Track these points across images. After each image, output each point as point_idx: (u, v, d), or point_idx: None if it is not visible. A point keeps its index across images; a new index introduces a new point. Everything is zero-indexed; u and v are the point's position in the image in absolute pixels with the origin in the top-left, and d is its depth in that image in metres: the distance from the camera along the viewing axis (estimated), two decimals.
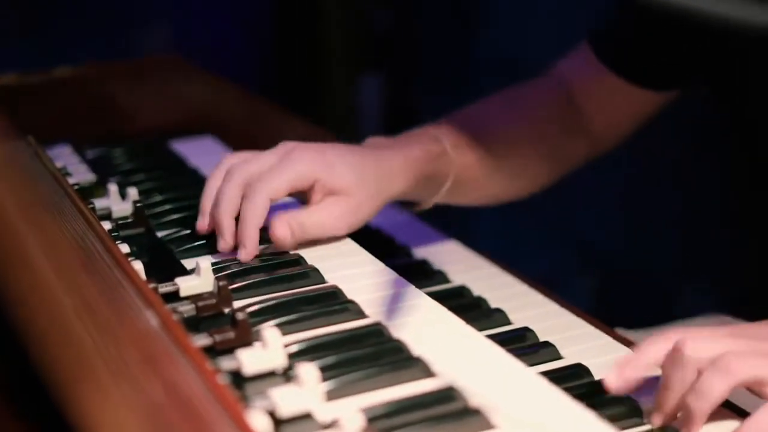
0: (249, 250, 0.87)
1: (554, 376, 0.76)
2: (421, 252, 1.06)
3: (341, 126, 2.57)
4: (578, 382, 0.79)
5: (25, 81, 1.32)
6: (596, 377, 0.79)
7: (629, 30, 1.09)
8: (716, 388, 0.69)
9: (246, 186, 0.89)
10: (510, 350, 0.77)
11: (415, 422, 0.65)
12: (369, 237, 1.08)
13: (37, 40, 2.22)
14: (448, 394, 0.67)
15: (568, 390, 0.72)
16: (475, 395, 0.67)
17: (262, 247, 0.90)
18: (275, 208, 0.90)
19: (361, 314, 0.80)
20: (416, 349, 0.73)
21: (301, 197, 0.93)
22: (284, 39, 2.61)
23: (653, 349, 0.73)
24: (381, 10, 2.59)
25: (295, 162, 0.89)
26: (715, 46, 1.00)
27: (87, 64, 1.36)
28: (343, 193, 0.91)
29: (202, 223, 0.91)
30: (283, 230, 0.89)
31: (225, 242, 0.89)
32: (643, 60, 1.09)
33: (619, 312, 1.92)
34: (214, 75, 1.33)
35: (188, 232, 0.93)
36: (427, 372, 0.71)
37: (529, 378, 0.72)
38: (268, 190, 0.88)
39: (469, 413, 0.66)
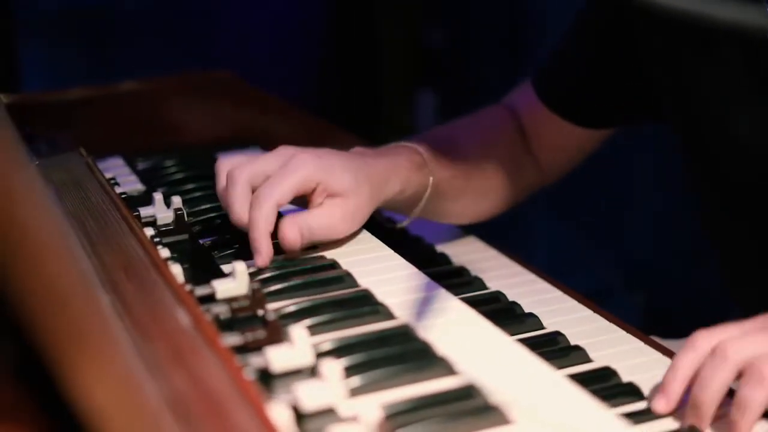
0: (264, 257, 0.90)
1: (581, 378, 0.78)
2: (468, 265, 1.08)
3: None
4: (605, 384, 0.80)
5: (85, 95, 1.37)
6: (625, 379, 0.81)
7: (568, 72, 1.13)
8: (757, 400, 0.71)
9: (253, 191, 0.92)
10: (539, 353, 0.78)
11: (434, 417, 0.66)
12: (411, 245, 1.11)
13: (101, 56, 2.30)
14: (468, 392, 0.69)
15: (594, 392, 0.74)
16: (496, 393, 0.69)
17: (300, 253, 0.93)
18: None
19: (390, 316, 0.82)
20: (442, 349, 0.75)
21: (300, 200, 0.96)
22: (341, 58, 2.65)
23: (688, 363, 0.75)
24: (432, 27, 2.62)
25: (299, 167, 0.92)
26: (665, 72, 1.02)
27: (144, 79, 1.41)
28: (342, 196, 0.94)
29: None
30: (294, 234, 0.91)
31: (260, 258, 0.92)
32: (580, 101, 1.13)
33: (665, 326, 1.91)
34: (265, 92, 1.37)
35: (228, 237, 0.96)
36: (449, 370, 0.72)
37: (552, 377, 0.73)
38: (276, 197, 0.91)
39: (488, 410, 0.67)
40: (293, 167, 0.92)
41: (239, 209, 0.92)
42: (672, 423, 0.75)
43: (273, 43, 2.54)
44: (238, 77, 1.38)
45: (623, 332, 0.90)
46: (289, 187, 0.91)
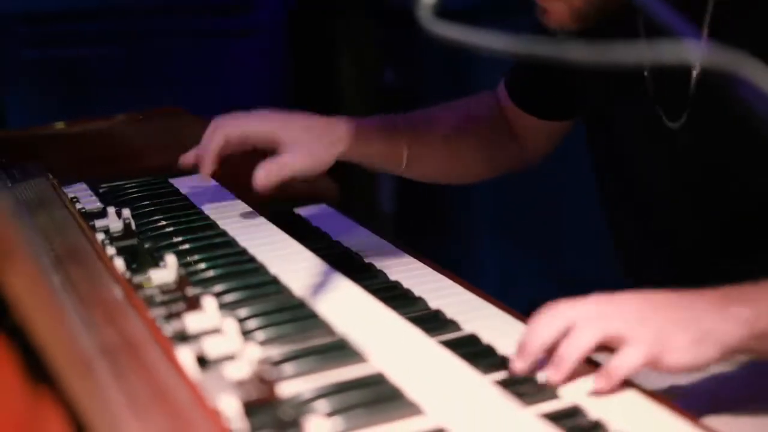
0: (204, 167, 1.28)
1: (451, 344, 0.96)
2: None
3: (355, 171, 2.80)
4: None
5: (54, 131, 1.58)
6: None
7: (527, 71, 1.35)
8: (587, 338, 0.85)
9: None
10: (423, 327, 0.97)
11: (305, 355, 0.86)
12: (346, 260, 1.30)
13: (76, 100, 2.53)
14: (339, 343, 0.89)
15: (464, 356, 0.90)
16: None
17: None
18: None
19: (291, 294, 1.02)
20: (321, 310, 0.96)
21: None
22: (302, 97, 2.85)
23: (546, 331, 0.88)
24: (388, 66, 2.84)
25: (255, 120, 1.28)
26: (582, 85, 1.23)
27: (107, 116, 1.61)
28: (298, 143, 1.25)
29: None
30: (261, 172, 1.24)
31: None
32: (537, 96, 1.35)
33: None
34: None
35: (173, 241, 1.18)
36: (329, 330, 0.92)
37: (427, 343, 0.92)
38: (227, 129, 1.28)
39: (351, 352, 0.87)
40: (248, 118, 1.28)
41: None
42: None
43: (234, 86, 2.75)
44: (187, 111, 1.58)
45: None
46: (239, 128, 1.27)
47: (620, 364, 0.85)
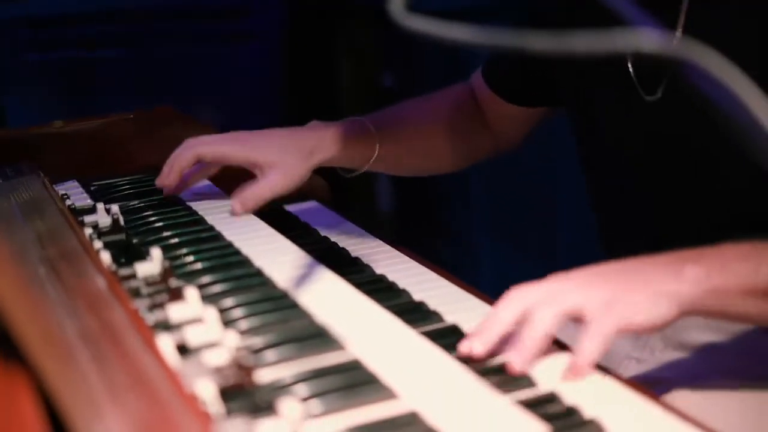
0: (163, 180, 1.34)
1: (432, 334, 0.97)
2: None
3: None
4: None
5: (48, 131, 1.60)
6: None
7: (504, 59, 1.39)
8: (546, 317, 0.87)
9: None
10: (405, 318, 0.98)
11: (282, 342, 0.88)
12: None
13: (77, 101, 2.56)
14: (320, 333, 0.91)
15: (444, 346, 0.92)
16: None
17: None
18: None
19: (274, 286, 1.03)
20: (300, 298, 0.98)
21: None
22: (300, 101, 2.88)
23: (507, 315, 0.90)
24: (389, 71, 2.86)
25: (224, 143, 1.33)
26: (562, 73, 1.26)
27: (100, 116, 1.63)
28: (272, 166, 1.29)
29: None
30: (235, 205, 1.30)
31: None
32: (513, 83, 1.39)
33: None
34: (201, 122, 1.58)
35: (160, 236, 1.19)
36: (307, 316, 0.94)
37: (408, 334, 0.94)
38: (198, 149, 1.32)
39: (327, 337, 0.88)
40: (223, 140, 1.33)
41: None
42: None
43: (234, 89, 2.78)
44: (179, 111, 1.60)
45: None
46: (212, 149, 1.32)
47: (585, 349, 0.86)
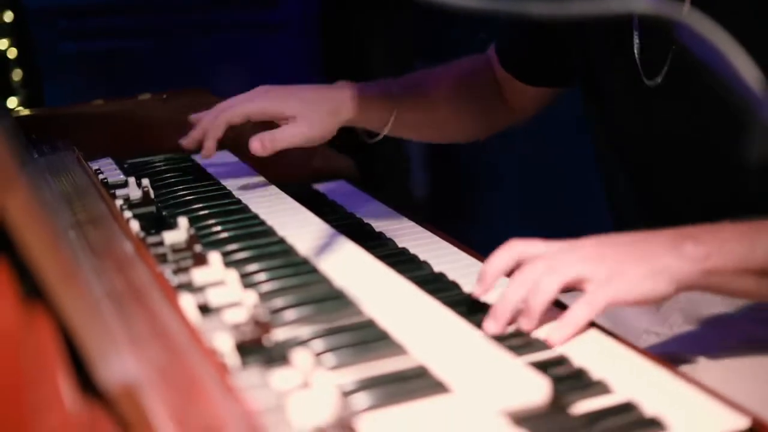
0: (206, 151, 1.36)
1: (450, 302, 1.00)
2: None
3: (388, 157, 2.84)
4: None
5: (85, 110, 1.65)
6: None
7: (516, 39, 1.42)
8: (550, 286, 0.91)
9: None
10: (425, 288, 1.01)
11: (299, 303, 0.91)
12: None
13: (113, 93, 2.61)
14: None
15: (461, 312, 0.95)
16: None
17: None
18: None
19: (296, 253, 1.07)
20: (323, 266, 1.01)
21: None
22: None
23: (498, 261, 0.97)
24: (420, 58, 2.88)
25: (255, 99, 1.34)
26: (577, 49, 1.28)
27: (134, 97, 1.68)
28: (297, 117, 1.32)
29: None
30: (255, 143, 1.31)
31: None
32: (524, 63, 1.42)
33: None
34: None
35: (190, 208, 1.24)
36: (328, 281, 0.97)
37: (429, 303, 0.96)
38: (228, 114, 1.34)
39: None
40: (250, 98, 1.34)
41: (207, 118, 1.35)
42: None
43: (265, 77, 2.81)
44: (211, 93, 1.64)
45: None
46: (240, 111, 1.33)
47: (573, 314, 0.90)
